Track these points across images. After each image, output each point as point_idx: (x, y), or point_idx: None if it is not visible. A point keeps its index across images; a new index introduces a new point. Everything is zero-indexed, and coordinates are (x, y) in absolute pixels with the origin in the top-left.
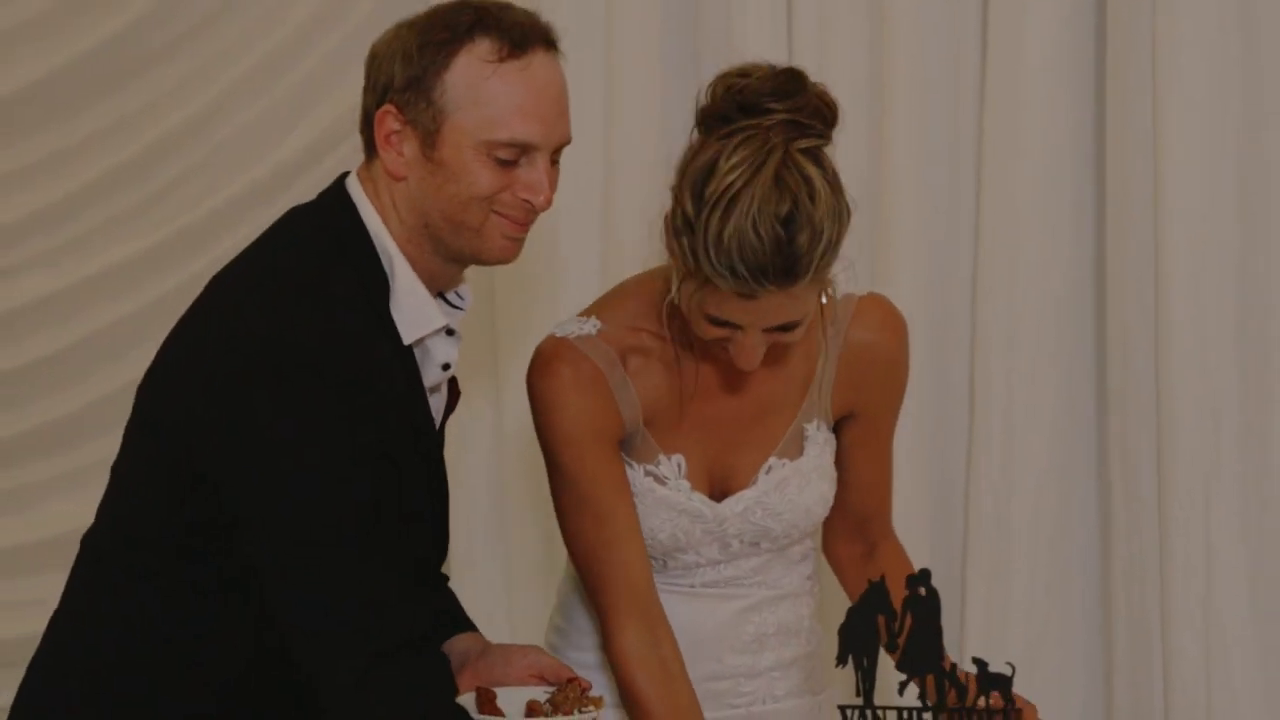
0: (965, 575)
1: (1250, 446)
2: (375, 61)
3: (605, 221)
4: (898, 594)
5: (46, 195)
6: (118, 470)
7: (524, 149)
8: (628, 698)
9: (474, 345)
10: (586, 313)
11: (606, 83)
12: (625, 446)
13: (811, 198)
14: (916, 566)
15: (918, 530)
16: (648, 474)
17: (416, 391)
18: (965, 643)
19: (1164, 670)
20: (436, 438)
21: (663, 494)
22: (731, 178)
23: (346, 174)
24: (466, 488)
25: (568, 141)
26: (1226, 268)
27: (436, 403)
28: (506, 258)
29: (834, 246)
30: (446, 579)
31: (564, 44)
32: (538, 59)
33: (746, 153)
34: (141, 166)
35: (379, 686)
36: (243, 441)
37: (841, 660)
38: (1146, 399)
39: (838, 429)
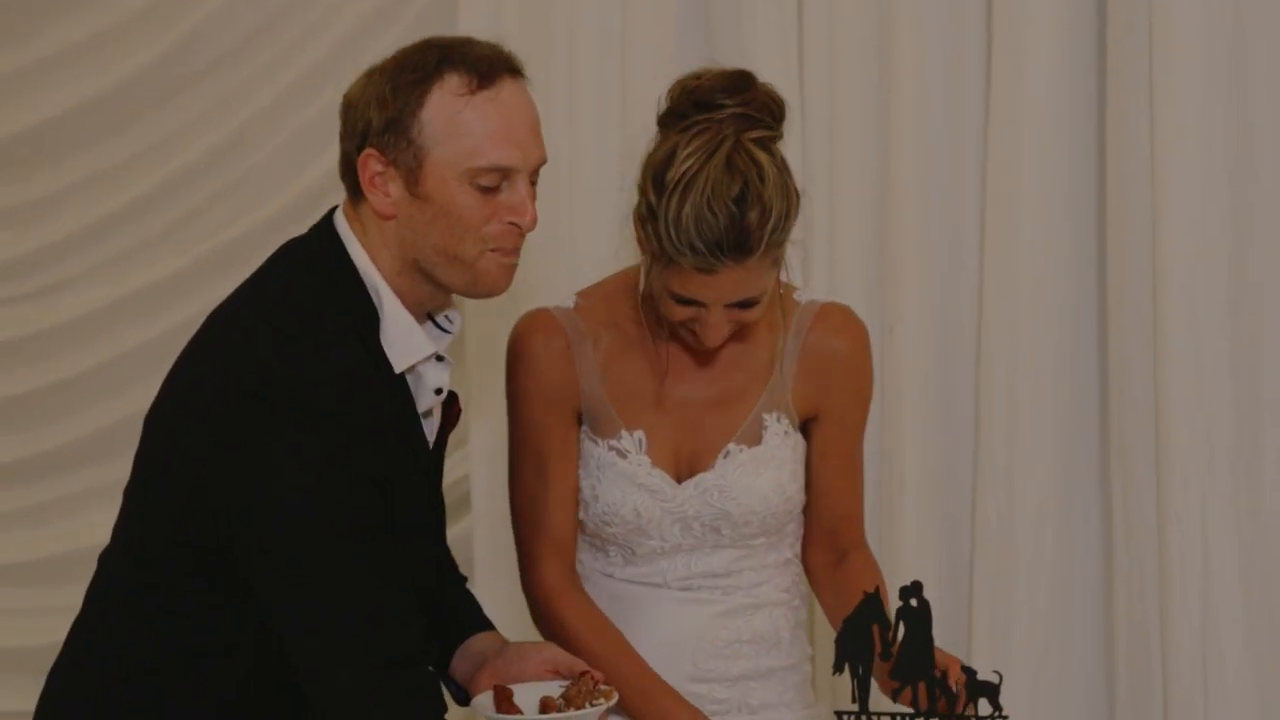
0: (972, 583)
1: (1243, 455)
2: (351, 109)
3: (623, 225)
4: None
5: (82, 218)
6: (128, 494)
7: (504, 173)
8: (552, 623)
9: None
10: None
11: (622, 91)
12: (589, 420)
13: (761, 179)
14: (926, 575)
15: (926, 540)
16: (610, 448)
17: (410, 416)
18: (973, 647)
19: (1163, 672)
20: (433, 458)
21: (623, 467)
22: (688, 164)
23: (335, 209)
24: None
25: (544, 161)
26: (1219, 280)
27: (431, 425)
28: (498, 288)
29: (784, 223)
30: (465, 579)
31: (582, 52)
32: (506, 87)
33: (700, 142)
34: (174, 190)
35: (376, 697)
36: (242, 471)
37: (838, 668)
38: (1145, 409)
39: (807, 435)
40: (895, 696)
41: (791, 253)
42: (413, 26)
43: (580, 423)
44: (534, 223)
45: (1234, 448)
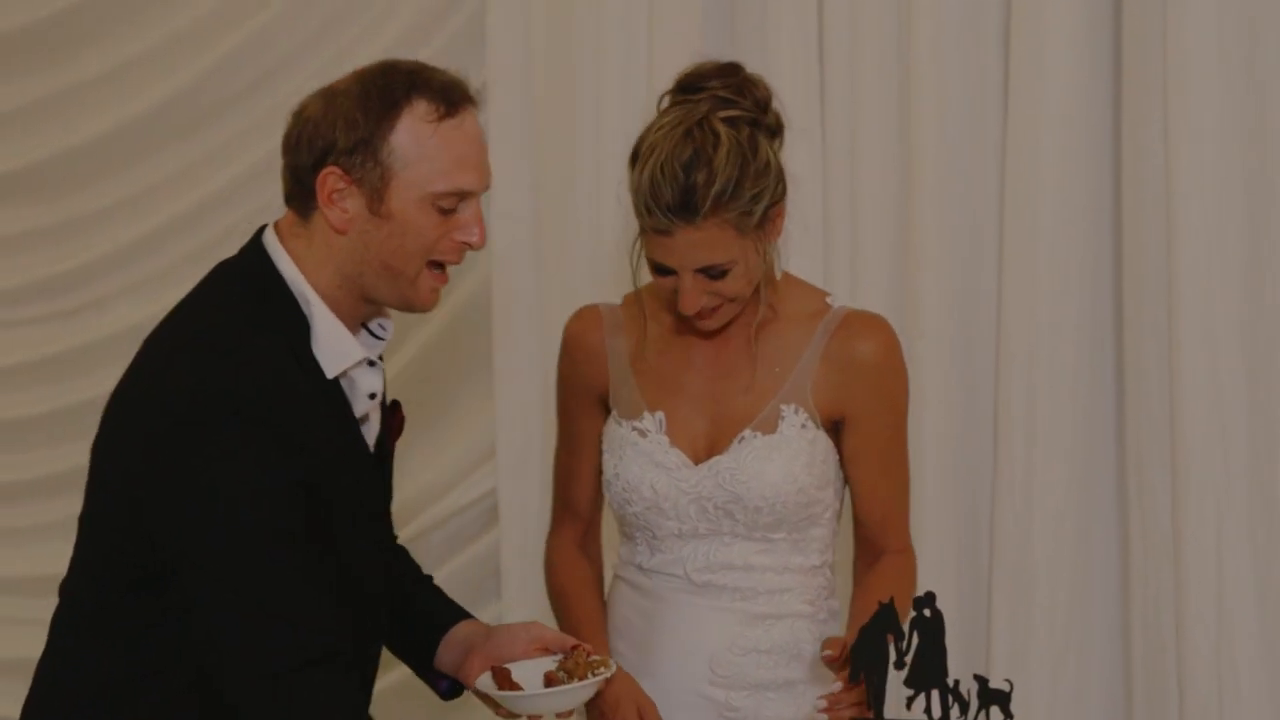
0: (991, 589)
1: (1258, 461)
2: (308, 126)
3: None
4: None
5: (115, 239)
6: (81, 521)
7: (463, 196)
8: (548, 572)
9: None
10: None
11: (647, 93)
12: (616, 404)
13: (714, 147)
14: (945, 581)
15: (947, 550)
16: (633, 429)
17: (346, 421)
18: (991, 653)
19: (1179, 677)
20: (371, 460)
21: (643, 446)
22: (655, 136)
23: (265, 227)
24: None
25: (490, 186)
26: (1234, 287)
27: (369, 429)
28: (428, 306)
29: (733, 190)
30: (430, 578)
31: (609, 54)
32: (469, 116)
33: (672, 117)
34: (204, 213)
35: (291, 699)
36: (175, 490)
37: (854, 677)
38: (1161, 417)
39: (838, 438)
40: (910, 704)
41: (785, 244)
42: (438, 56)
43: (607, 411)
44: (483, 242)
45: (1248, 454)
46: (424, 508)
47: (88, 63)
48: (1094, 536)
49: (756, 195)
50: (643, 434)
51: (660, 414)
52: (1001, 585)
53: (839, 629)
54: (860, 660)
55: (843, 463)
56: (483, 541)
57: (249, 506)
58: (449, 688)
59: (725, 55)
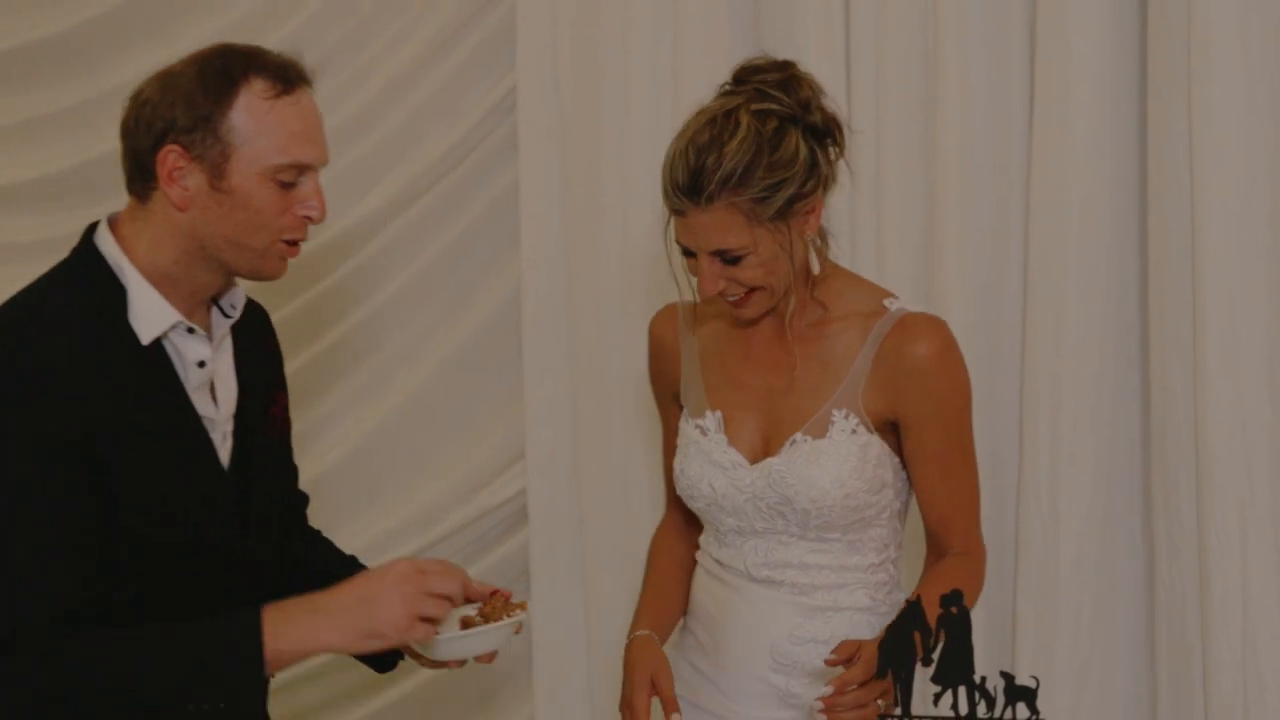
0: (1015, 595)
1: None
2: (146, 108)
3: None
4: (930, 603)
5: None
6: None
7: (301, 170)
8: (647, 552)
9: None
10: None
11: (674, 96)
12: (685, 400)
13: (730, 135)
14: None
15: None
16: (696, 426)
17: (166, 386)
18: (1016, 659)
19: (1204, 685)
20: (198, 427)
21: (703, 444)
22: (688, 120)
23: (98, 222)
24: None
25: (327, 161)
26: (1259, 290)
27: (203, 398)
28: (278, 275)
29: (740, 177)
30: (317, 531)
31: (635, 54)
32: (305, 94)
33: (710, 105)
34: None
35: (12, 660)
36: None
37: (881, 673)
38: (1185, 423)
39: (897, 440)
40: (937, 700)
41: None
42: (468, 61)
43: (680, 404)
44: (323, 216)
45: (1272, 458)
46: (453, 508)
47: (121, 69)
48: (1119, 540)
49: (773, 185)
50: (704, 432)
51: (719, 413)
52: (1026, 588)
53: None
54: (888, 657)
55: (904, 464)
56: (512, 542)
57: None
58: (382, 661)
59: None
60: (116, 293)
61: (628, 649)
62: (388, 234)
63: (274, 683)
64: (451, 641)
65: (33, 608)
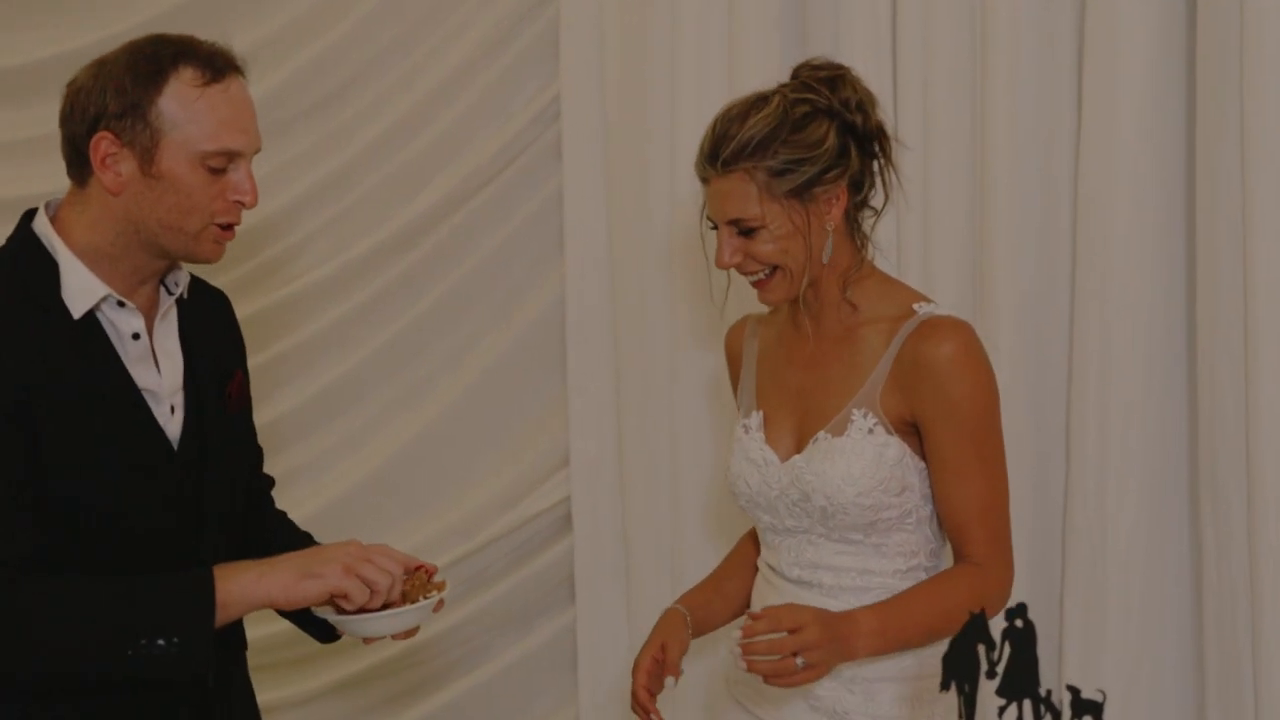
0: (1063, 603)
1: None
2: (80, 95)
3: None
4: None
5: None
6: None
7: (231, 156)
8: None
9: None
10: None
11: (721, 89)
12: (740, 399)
13: (759, 110)
14: (1018, 595)
15: (1018, 561)
16: (742, 425)
17: (98, 356)
18: (1063, 667)
19: (1255, 693)
20: (135, 398)
21: (744, 442)
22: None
23: (30, 210)
24: None
25: (260, 148)
26: None
27: (145, 370)
28: (214, 259)
29: (756, 146)
30: (284, 514)
31: (681, 66)
32: (235, 82)
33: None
34: (278, 224)
35: None
36: None
37: (945, 686)
38: (1235, 430)
39: (919, 441)
40: (1001, 714)
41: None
42: (511, 69)
43: None
44: (255, 202)
45: None
46: (496, 516)
47: None
48: (1167, 547)
49: (792, 162)
50: (746, 430)
51: (761, 412)
52: (1074, 596)
53: None
54: (952, 670)
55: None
56: (556, 549)
57: None
58: (325, 631)
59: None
60: (49, 271)
61: (659, 619)
62: (432, 240)
63: (313, 690)
64: (369, 621)
65: None
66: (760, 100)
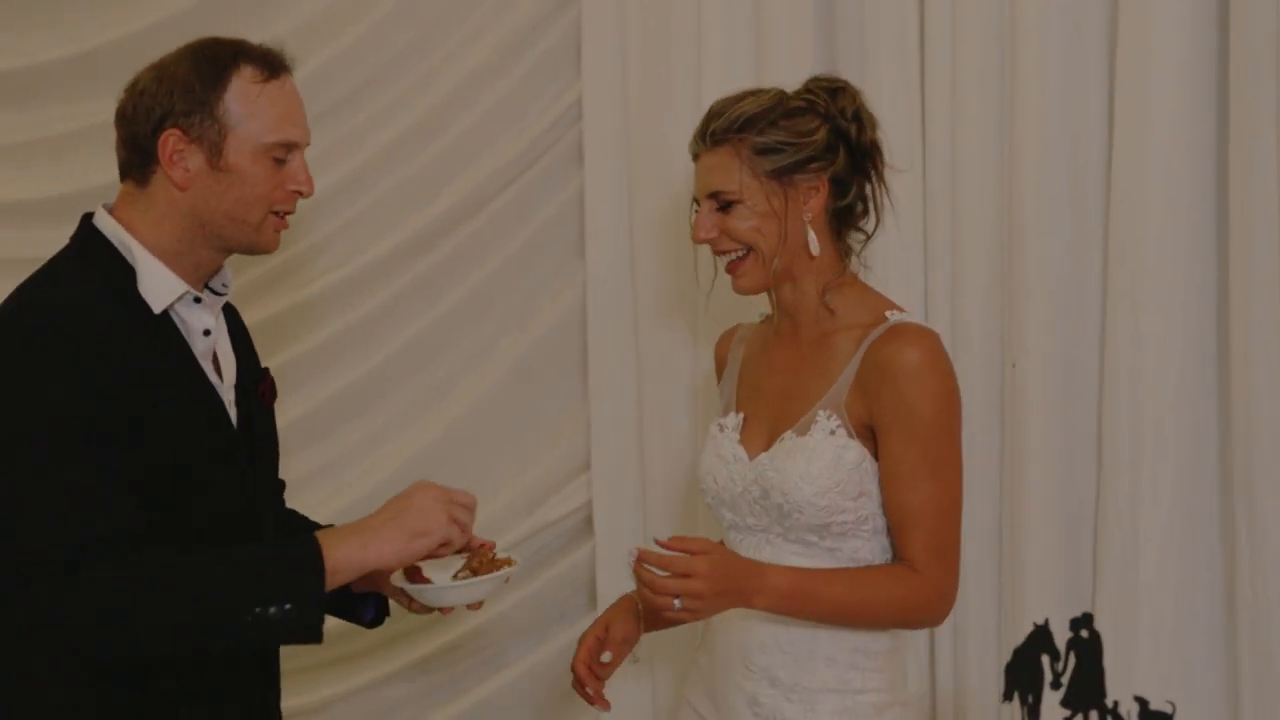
0: (1095, 615)
1: None
2: (144, 97)
3: None
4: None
5: None
6: None
7: (290, 148)
8: None
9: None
10: None
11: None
12: (720, 402)
13: (755, 95)
14: (1049, 607)
15: (1048, 573)
16: (717, 424)
17: (178, 353)
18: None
19: None
20: (211, 391)
21: (718, 440)
22: None
23: (88, 214)
24: None
25: (310, 142)
26: None
27: (209, 366)
28: (273, 248)
29: (746, 122)
30: (294, 510)
31: (703, 70)
32: (288, 79)
33: None
34: (294, 225)
35: (76, 580)
36: None
37: (1008, 696)
38: (1266, 441)
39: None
40: None
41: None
42: (533, 71)
43: None
44: (312, 189)
45: None
46: (517, 519)
47: None
48: (1199, 555)
49: (778, 143)
50: (721, 429)
51: (741, 414)
52: (1105, 604)
53: (881, 645)
54: (1015, 680)
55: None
56: (577, 554)
57: (39, 403)
58: (374, 616)
59: (821, 67)
60: (125, 269)
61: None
62: (451, 243)
63: (328, 697)
64: (446, 590)
65: (97, 527)
66: (760, 90)
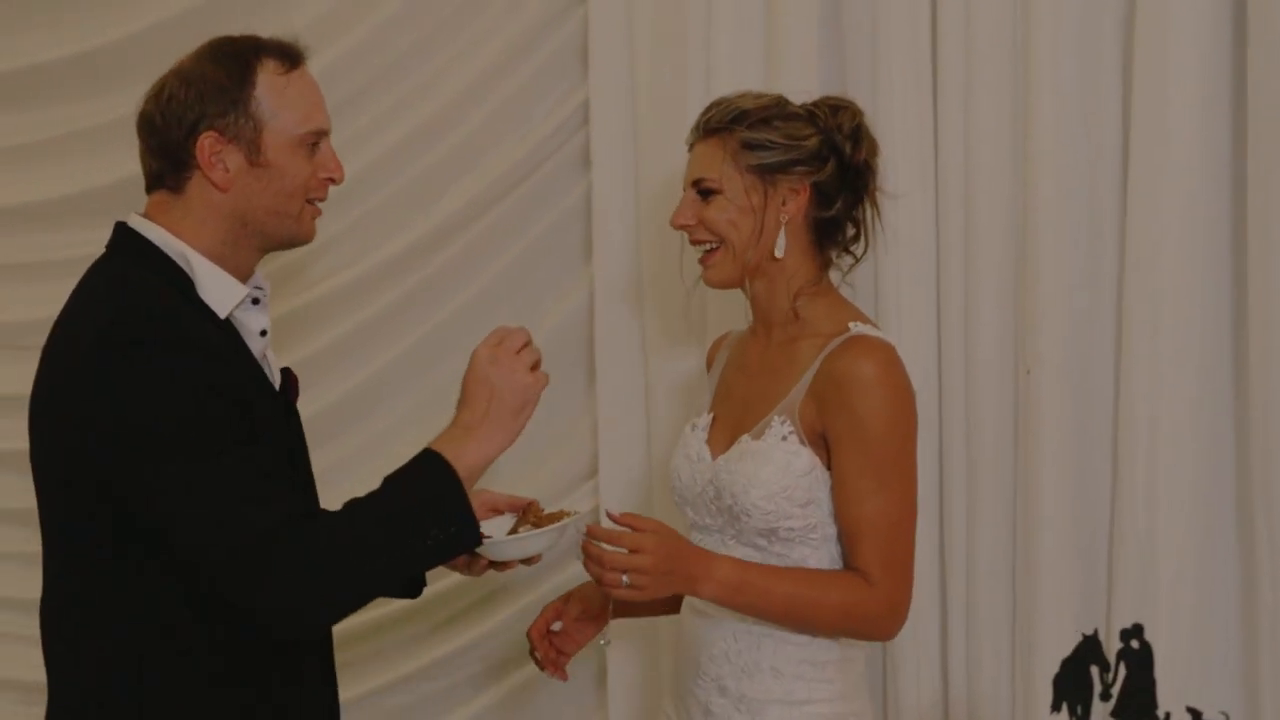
0: (1109, 624)
1: None
2: (172, 103)
3: None
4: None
5: None
6: (43, 522)
7: (321, 135)
8: None
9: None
10: None
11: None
12: (699, 404)
13: (755, 96)
14: (1064, 617)
15: (1063, 583)
16: (690, 425)
17: (248, 356)
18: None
19: None
20: (275, 393)
21: (687, 439)
22: None
23: (121, 222)
24: None
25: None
26: None
27: (269, 372)
28: (312, 237)
29: (738, 116)
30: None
31: (712, 74)
32: (306, 69)
33: None
34: None
35: (273, 557)
36: (100, 405)
37: (1055, 707)
38: None
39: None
40: None
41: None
42: (539, 73)
43: None
44: (343, 176)
45: None
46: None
47: None
48: (1216, 565)
49: (767, 142)
50: (693, 429)
51: (712, 415)
52: (1121, 612)
53: (830, 655)
54: (1064, 692)
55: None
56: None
57: (166, 406)
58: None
59: (831, 71)
60: (181, 276)
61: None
62: (456, 245)
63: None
64: (506, 544)
65: (274, 507)
66: (764, 92)
